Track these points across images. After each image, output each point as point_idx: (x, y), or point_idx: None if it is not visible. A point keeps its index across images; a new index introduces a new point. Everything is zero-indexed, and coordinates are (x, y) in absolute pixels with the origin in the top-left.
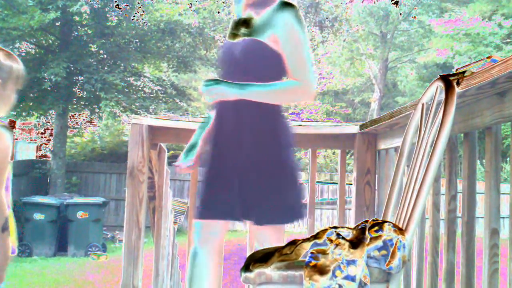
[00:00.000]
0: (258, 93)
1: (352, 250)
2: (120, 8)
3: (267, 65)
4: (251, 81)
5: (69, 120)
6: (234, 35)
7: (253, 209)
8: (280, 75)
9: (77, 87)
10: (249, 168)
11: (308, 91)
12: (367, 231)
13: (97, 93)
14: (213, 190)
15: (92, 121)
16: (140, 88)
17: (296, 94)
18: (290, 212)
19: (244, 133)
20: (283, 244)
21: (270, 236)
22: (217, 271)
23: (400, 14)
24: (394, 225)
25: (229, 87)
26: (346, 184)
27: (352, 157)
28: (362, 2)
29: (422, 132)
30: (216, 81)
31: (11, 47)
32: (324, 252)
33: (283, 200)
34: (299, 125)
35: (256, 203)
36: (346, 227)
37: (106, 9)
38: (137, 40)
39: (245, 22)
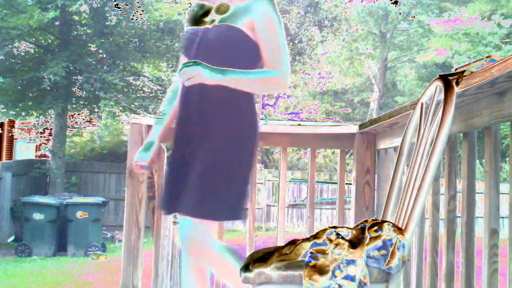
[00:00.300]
0: (238, 79)
1: (351, 250)
2: (119, 8)
3: (242, 53)
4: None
5: (68, 119)
6: (200, 21)
7: (194, 201)
8: (253, 64)
9: (76, 86)
10: (200, 161)
11: (285, 82)
12: (366, 231)
13: (96, 92)
14: (167, 184)
15: (92, 120)
16: (139, 88)
17: (274, 84)
18: (231, 211)
19: (205, 127)
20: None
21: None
22: (199, 275)
23: (400, 13)
24: (394, 225)
25: (209, 70)
26: (346, 184)
27: (352, 156)
28: (362, 1)
29: (422, 132)
30: (195, 63)
31: (10, 46)
32: (323, 252)
33: (226, 197)
34: (299, 125)
35: (198, 195)
36: (346, 227)
37: (106, 9)
38: (136, 40)
39: (218, 9)
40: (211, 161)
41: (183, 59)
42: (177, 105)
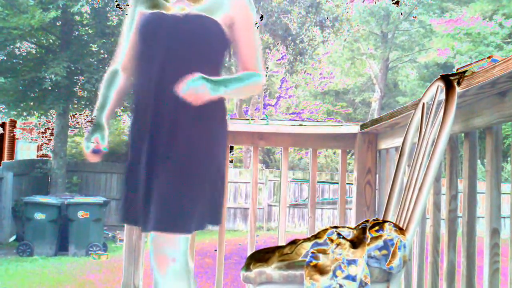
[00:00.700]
0: (236, 89)
1: (352, 250)
2: (120, 8)
3: (216, 49)
4: (195, 62)
5: (69, 119)
6: (160, 5)
7: (158, 212)
8: (221, 61)
9: (77, 86)
10: (166, 166)
11: (263, 84)
12: (367, 231)
13: (98, 92)
14: (127, 189)
15: (93, 120)
16: None
17: (257, 88)
18: (209, 218)
19: (178, 128)
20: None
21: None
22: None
23: (401, 14)
24: (395, 225)
25: (213, 85)
26: (347, 184)
27: (353, 156)
28: (363, 1)
29: (423, 132)
30: (202, 78)
31: (12, 46)
32: (324, 252)
33: (203, 204)
34: (300, 125)
35: (162, 206)
36: (347, 227)
37: (107, 9)
38: None
39: None
40: (185, 167)
41: (128, 43)
42: (138, 100)
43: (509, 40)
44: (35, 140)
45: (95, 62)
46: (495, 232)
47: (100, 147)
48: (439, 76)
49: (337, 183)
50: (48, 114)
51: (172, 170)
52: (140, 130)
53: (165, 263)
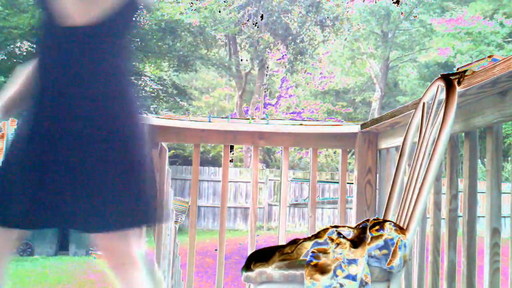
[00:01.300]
0: None
1: (353, 249)
2: None
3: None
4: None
5: None
6: None
7: (83, 212)
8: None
9: None
10: (77, 155)
11: None
12: (368, 230)
13: None
14: (15, 179)
15: None
16: (141, 88)
17: None
18: (135, 214)
19: (88, 120)
20: (134, 252)
21: (115, 245)
22: None
23: (402, 13)
24: (395, 224)
25: None
26: (347, 183)
27: (353, 156)
28: (364, 1)
29: (423, 131)
30: None
31: (12, 46)
32: (325, 252)
33: (123, 200)
34: (300, 125)
35: (86, 204)
36: (347, 226)
37: None
38: (138, 40)
39: None
40: (104, 160)
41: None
42: (41, 85)
43: (509, 39)
44: None
45: None
46: (495, 232)
47: None
48: (440, 76)
49: (338, 182)
50: None
51: (93, 158)
52: (43, 121)
53: (118, 268)
